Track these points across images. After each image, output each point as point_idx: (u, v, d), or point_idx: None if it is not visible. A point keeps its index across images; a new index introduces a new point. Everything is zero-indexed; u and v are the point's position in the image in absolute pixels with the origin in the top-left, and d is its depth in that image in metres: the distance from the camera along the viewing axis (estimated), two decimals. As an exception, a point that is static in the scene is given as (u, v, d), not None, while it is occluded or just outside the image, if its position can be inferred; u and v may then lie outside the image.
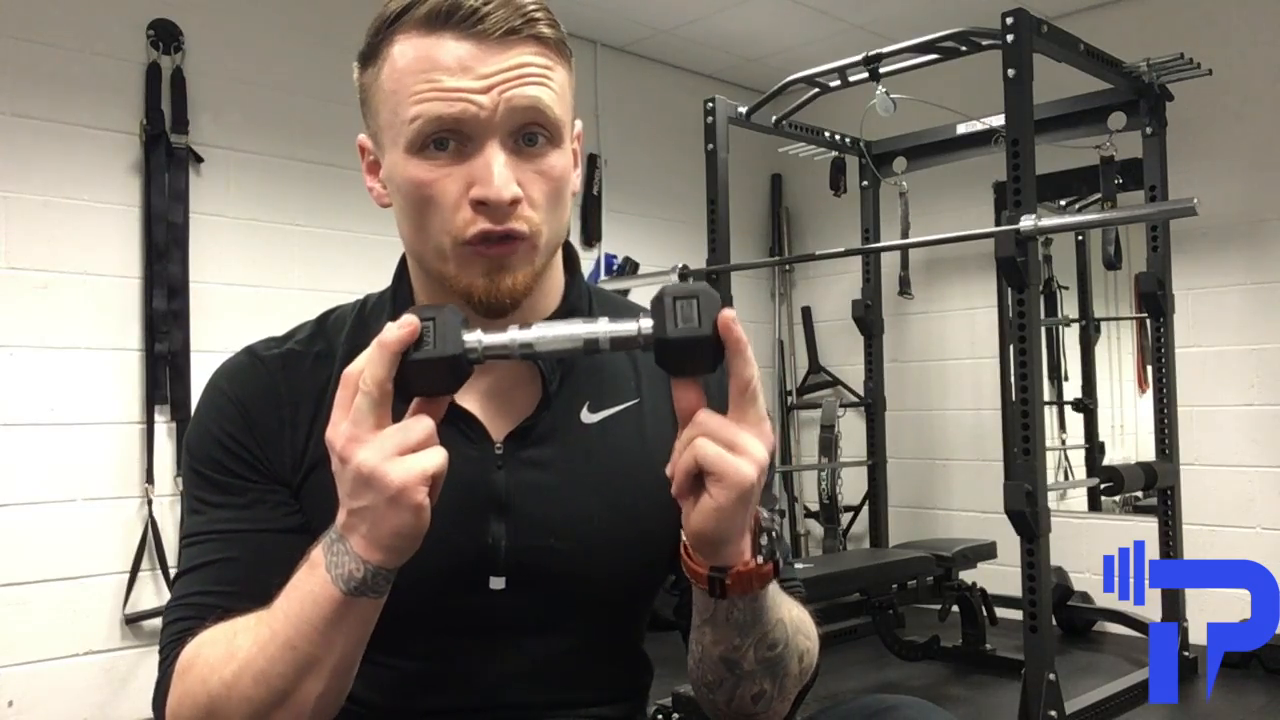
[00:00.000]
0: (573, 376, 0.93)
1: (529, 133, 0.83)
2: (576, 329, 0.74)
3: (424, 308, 0.74)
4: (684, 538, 0.78)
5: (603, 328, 0.74)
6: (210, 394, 0.93)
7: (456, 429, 0.87)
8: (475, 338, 0.73)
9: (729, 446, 0.72)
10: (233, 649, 0.78)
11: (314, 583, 0.75)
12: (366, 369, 0.72)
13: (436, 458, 0.72)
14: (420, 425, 0.72)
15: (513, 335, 0.74)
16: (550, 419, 0.91)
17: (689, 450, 0.73)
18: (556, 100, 0.84)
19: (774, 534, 0.79)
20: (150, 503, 2.93)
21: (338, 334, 0.95)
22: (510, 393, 0.91)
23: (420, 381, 0.73)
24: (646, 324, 0.73)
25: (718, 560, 0.77)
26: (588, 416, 0.93)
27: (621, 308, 1.02)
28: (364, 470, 0.70)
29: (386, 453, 0.71)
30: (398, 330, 0.71)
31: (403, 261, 0.96)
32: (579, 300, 0.96)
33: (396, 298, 0.95)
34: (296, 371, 0.92)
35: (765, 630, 0.83)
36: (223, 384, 0.92)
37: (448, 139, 0.82)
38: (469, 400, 0.89)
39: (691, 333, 0.71)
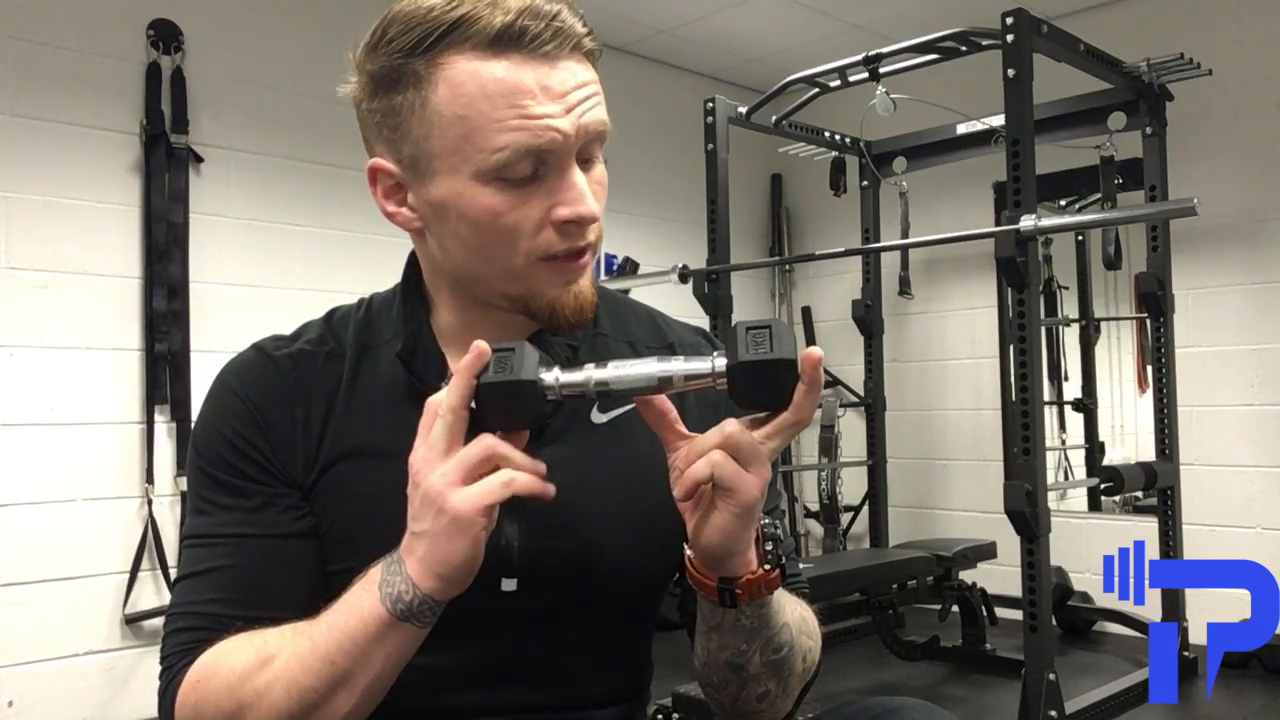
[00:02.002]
0: None
1: (589, 154, 0.85)
2: (651, 368, 0.75)
3: (501, 343, 0.75)
4: (688, 552, 0.79)
5: (677, 367, 0.75)
6: (219, 392, 0.91)
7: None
8: (552, 375, 0.75)
9: (745, 464, 0.73)
10: (265, 657, 0.79)
11: (365, 598, 0.76)
12: (445, 394, 0.73)
13: (499, 490, 0.73)
14: (492, 451, 0.73)
15: (589, 374, 0.75)
16: (561, 419, 0.91)
17: (705, 462, 0.73)
18: (607, 115, 0.86)
19: (778, 540, 0.81)
20: (150, 503, 2.93)
21: (345, 332, 0.95)
22: None
23: (497, 410, 0.74)
24: (720, 361, 0.74)
25: (725, 571, 0.78)
26: (598, 416, 0.93)
27: (627, 309, 1.03)
28: (431, 493, 0.72)
29: (453, 479, 0.72)
30: (472, 355, 0.73)
31: (411, 269, 0.96)
32: None
33: (407, 302, 0.94)
34: (308, 371, 0.92)
35: (771, 634, 0.84)
36: (233, 382, 0.91)
37: (529, 169, 0.82)
38: None
39: (766, 357, 0.72)
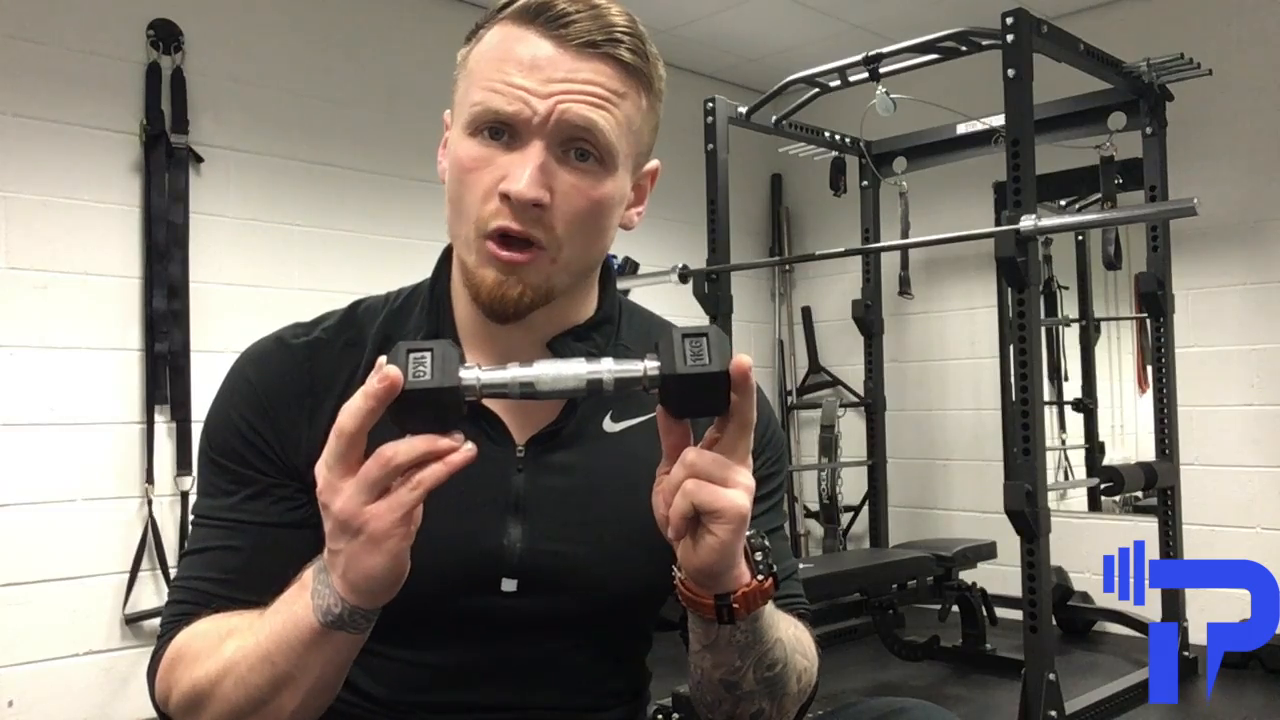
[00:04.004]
0: None
1: (580, 148, 0.84)
2: (580, 369, 0.72)
3: (419, 342, 0.71)
4: (679, 574, 0.79)
5: (606, 368, 0.72)
6: (234, 379, 0.93)
7: (480, 429, 0.87)
8: (473, 374, 0.70)
9: (721, 482, 0.72)
10: (219, 649, 0.80)
11: (298, 606, 0.75)
12: (341, 415, 0.69)
13: (408, 499, 0.69)
14: (392, 465, 0.69)
15: (513, 373, 0.72)
16: (574, 425, 0.91)
17: (682, 496, 0.72)
18: (615, 128, 0.84)
19: (766, 549, 0.80)
20: (150, 503, 2.93)
21: (370, 323, 0.95)
22: None
23: (412, 415, 0.69)
24: (652, 365, 0.72)
25: (720, 588, 0.78)
26: (610, 425, 0.93)
27: (650, 323, 1.03)
28: (340, 518, 0.70)
29: (359, 500, 0.69)
30: (381, 384, 0.68)
31: (445, 256, 0.96)
32: (611, 310, 0.97)
33: (435, 289, 0.95)
34: (323, 360, 0.92)
35: (764, 650, 0.84)
36: (248, 370, 0.92)
37: (502, 129, 0.83)
38: (494, 401, 0.89)
39: (702, 369, 0.70)
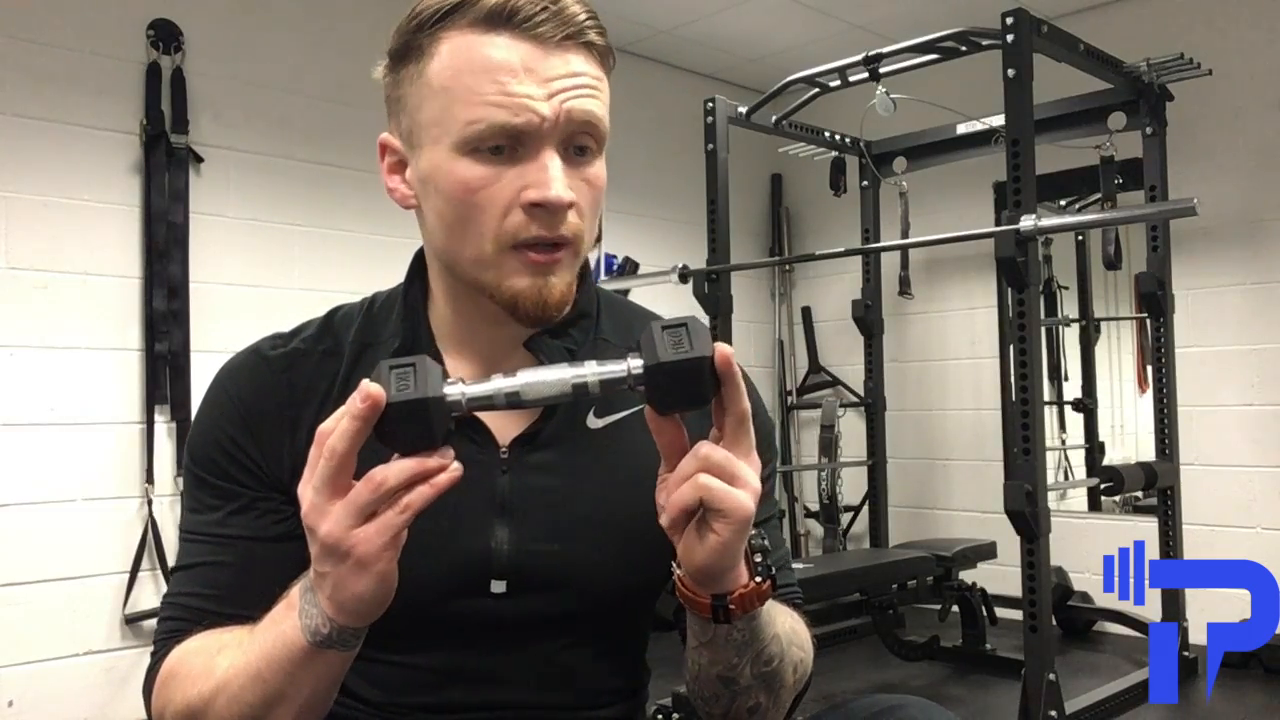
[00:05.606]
0: None
1: (580, 143, 0.84)
2: (564, 374, 0.72)
3: (399, 359, 0.70)
4: (678, 571, 0.78)
5: (591, 370, 0.72)
6: (214, 393, 0.93)
7: (462, 433, 0.86)
8: (458, 390, 0.70)
9: (730, 480, 0.72)
10: (212, 667, 0.80)
11: (286, 624, 0.75)
12: (332, 437, 0.68)
13: (396, 522, 0.69)
14: (382, 489, 0.68)
15: (498, 384, 0.71)
16: (556, 424, 0.91)
17: (691, 486, 0.72)
18: (604, 113, 0.85)
19: (766, 550, 0.80)
20: (150, 503, 2.93)
21: (346, 331, 0.95)
22: None
23: (399, 430, 0.68)
24: (636, 364, 0.71)
25: (718, 588, 0.77)
26: (593, 422, 0.93)
27: (630, 314, 1.02)
28: (328, 542, 0.69)
29: (347, 524, 0.69)
30: (365, 404, 0.67)
31: (418, 262, 0.96)
32: (589, 304, 0.96)
33: (408, 299, 0.94)
34: (302, 371, 0.92)
35: (761, 646, 0.84)
36: (227, 384, 0.92)
37: (504, 144, 0.81)
38: None
39: (684, 356, 0.70)
